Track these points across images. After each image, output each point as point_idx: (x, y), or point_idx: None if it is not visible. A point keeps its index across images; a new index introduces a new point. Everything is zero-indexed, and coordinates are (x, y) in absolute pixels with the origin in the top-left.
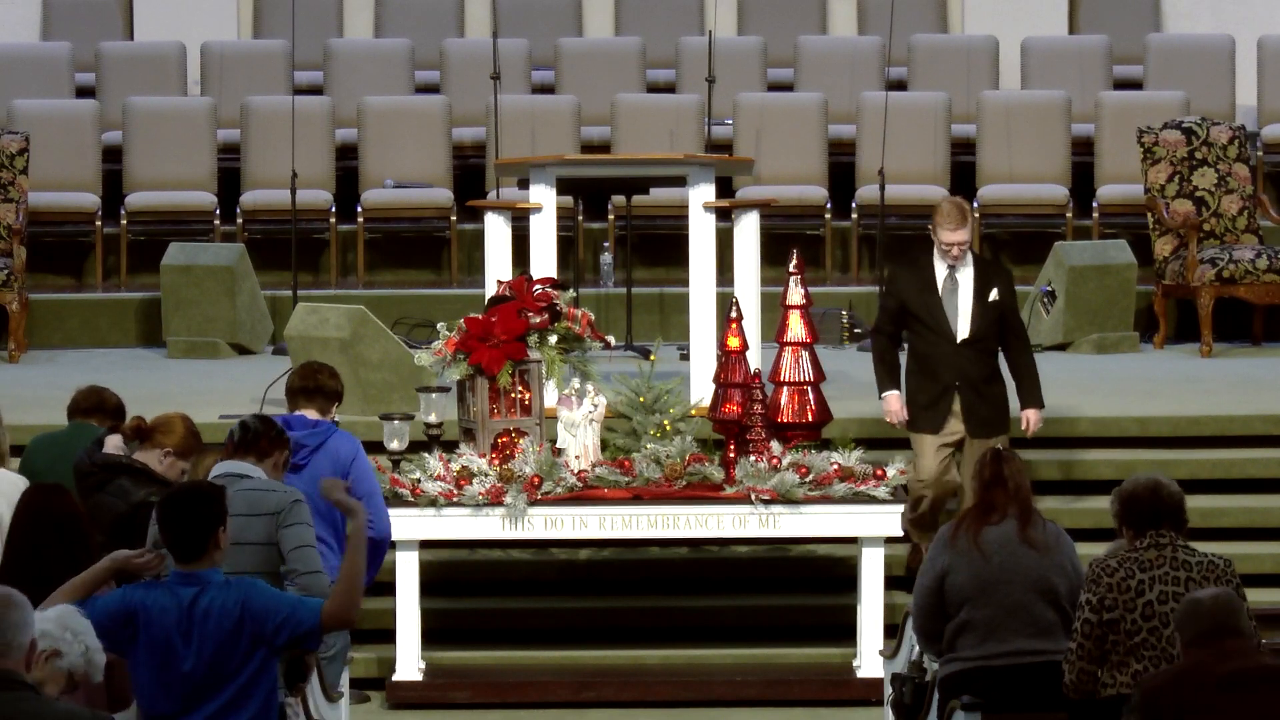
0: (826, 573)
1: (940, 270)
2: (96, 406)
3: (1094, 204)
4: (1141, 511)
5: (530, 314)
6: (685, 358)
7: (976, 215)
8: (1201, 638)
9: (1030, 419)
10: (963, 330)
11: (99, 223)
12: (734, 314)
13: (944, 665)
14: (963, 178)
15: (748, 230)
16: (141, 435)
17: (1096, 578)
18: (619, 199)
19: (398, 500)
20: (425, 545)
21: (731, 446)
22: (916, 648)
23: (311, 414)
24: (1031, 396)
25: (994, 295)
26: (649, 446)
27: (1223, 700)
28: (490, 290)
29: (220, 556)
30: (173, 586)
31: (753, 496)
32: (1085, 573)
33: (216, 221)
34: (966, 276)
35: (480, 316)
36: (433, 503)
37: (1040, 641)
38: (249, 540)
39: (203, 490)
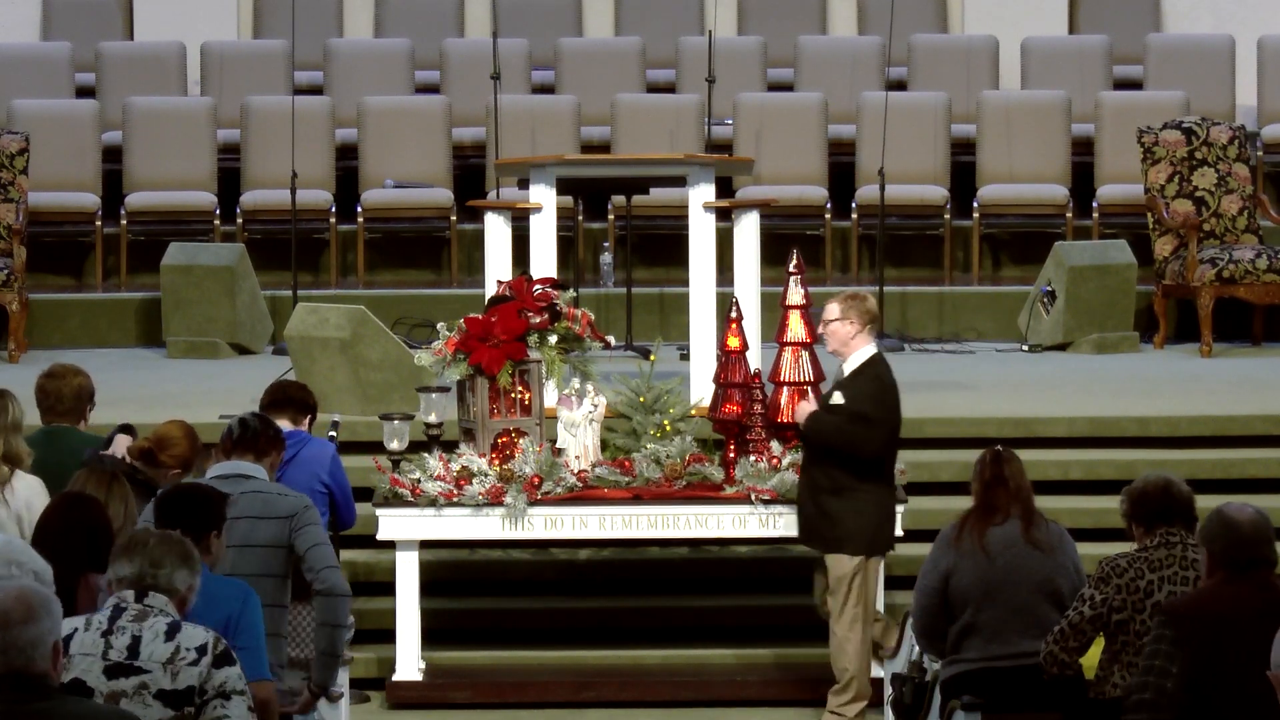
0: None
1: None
2: (74, 409)
3: (1094, 204)
4: (1152, 509)
5: (530, 314)
6: (685, 358)
7: (976, 215)
8: (1235, 563)
9: (797, 405)
10: None
11: (99, 223)
12: (734, 314)
13: (947, 666)
14: (963, 178)
15: (748, 230)
16: (147, 458)
17: (1105, 576)
18: (619, 199)
19: (398, 500)
20: (425, 545)
21: (731, 446)
22: (917, 647)
23: (284, 424)
24: (817, 410)
25: (836, 398)
26: (649, 446)
27: (1252, 628)
28: (490, 290)
29: (211, 560)
30: None
31: (753, 496)
32: (1095, 569)
33: (216, 221)
34: (842, 375)
35: (480, 316)
36: (433, 503)
37: None
38: (256, 543)
39: (204, 492)
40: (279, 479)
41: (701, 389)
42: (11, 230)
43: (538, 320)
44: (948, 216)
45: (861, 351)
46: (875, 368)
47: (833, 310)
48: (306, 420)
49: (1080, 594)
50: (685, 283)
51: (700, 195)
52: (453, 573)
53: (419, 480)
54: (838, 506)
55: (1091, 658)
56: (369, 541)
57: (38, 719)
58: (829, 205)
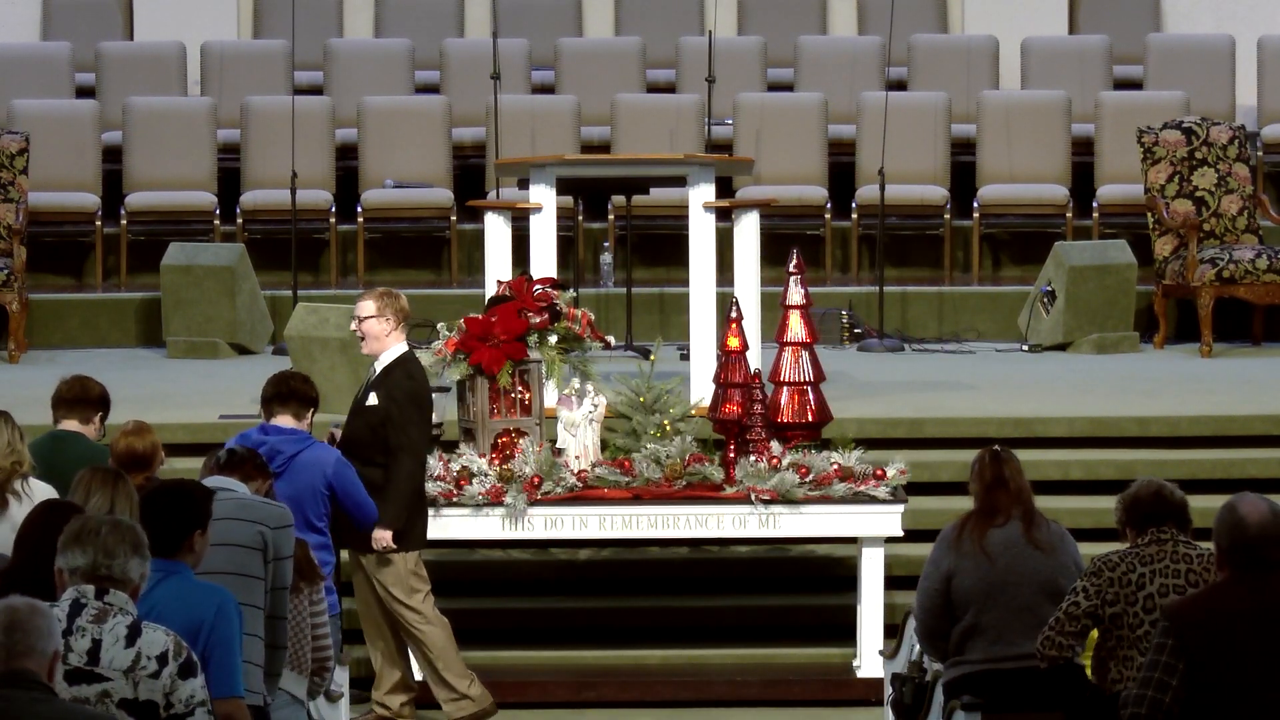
0: (826, 573)
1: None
2: (82, 403)
3: (1094, 204)
4: (1144, 512)
5: (530, 314)
6: (685, 358)
7: (976, 215)
8: (1241, 564)
9: (376, 538)
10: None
11: (99, 223)
12: (734, 314)
13: (950, 668)
14: (963, 178)
15: (748, 230)
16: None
17: (1097, 570)
18: (619, 199)
19: None
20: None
21: (731, 446)
22: (916, 647)
23: (288, 421)
24: (383, 513)
25: (372, 400)
26: (649, 446)
27: (1254, 630)
28: (490, 290)
29: (194, 560)
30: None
31: (753, 496)
32: (1088, 565)
33: (216, 221)
34: (373, 374)
35: (480, 316)
36: (433, 503)
37: None
38: (229, 542)
39: (188, 489)
40: (282, 474)
41: (701, 389)
42: (11, 230)
43: (538, 320)
44: (948, 216)
45: (394, 349)
46: (407, 365)
47: (368, 307)
48: (309, 414)
49: (1074, 587)
50: (685, 283)
51: (700, 195)
52: (453, 573)
53: None
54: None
55: (1088, 654)
56: None
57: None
58: (829, 205)
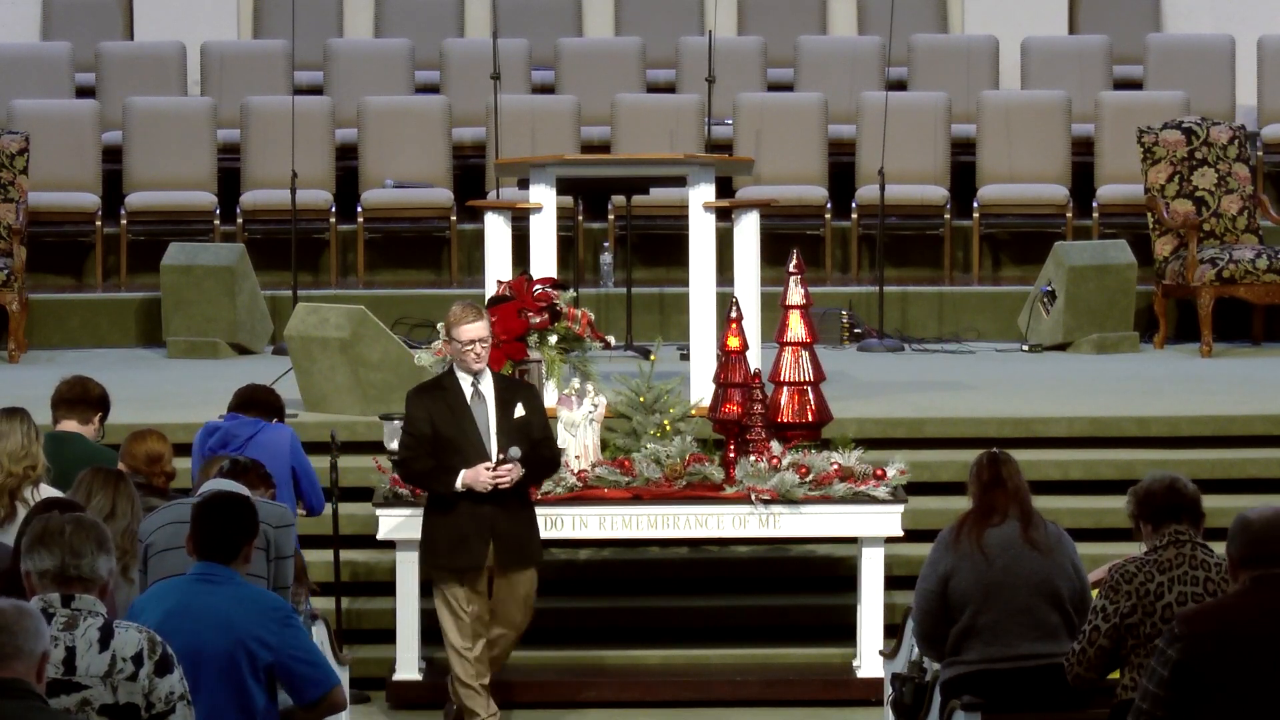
0: (826, 573)
1: (466, 388)
2: (82, 402)
3: (1094, 204)
4: (1159, 506)
5: (530, 314)
6: (685, 358)
7: (976, 215)
8: (1248, 562)
9: (507, 470)
10: (495, 449)
11: (99, 223)
12: (734, 314)
13: (946, 668)
14: (963, 178)
15: (748, 230)
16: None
17: (1116, 584)
18: (619, 199)
19: (398, 500)
20: None
21: (731, 446)
22: (916, 647)
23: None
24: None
25: (520, 411)
26: (649, 446)
27: (1264, 633)
28: (490, 290)
29: (245, 569)
30: (192, 575)
31: (753, 496)
32: (1106, 577)
33: (216, 221)
34: (489, 391)
35: None
36: None
37: (1045, 645)
38: None
39: (243, 500)
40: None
41: (701, 389)
42: (11, 230)
43: (538, 320)
44: (948, 216)
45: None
46: (517, 376)
47: (483, 328)
48: (273, 422)
49: (1093, 607)
50: (685, 283)
51: (700, 195)
52: None
53: None
54: (530, 520)
55: None
56: (369, 541)
57: None
58: (829, 205)
